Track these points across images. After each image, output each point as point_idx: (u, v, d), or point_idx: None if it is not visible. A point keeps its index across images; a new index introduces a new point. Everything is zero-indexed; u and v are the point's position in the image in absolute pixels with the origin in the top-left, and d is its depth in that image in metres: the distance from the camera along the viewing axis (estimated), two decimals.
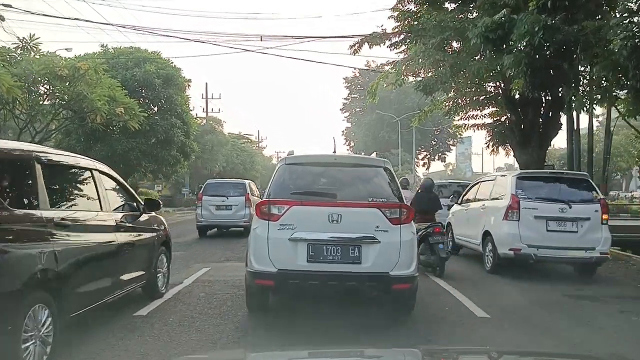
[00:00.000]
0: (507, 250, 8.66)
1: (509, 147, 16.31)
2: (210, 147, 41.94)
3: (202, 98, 47.45)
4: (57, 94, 16.08)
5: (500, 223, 8.86)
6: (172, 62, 23.48)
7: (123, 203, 6.35)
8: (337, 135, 65.07)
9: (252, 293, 5.74)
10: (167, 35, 31.48)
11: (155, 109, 22.88)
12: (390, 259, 5.29)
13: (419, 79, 15.38)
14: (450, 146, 62.75)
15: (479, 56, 13.06)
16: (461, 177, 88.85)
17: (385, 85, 16.57)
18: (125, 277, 5.85)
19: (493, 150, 16.47)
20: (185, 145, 23.96)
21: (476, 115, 16.89)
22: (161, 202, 7.18)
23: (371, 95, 16.65)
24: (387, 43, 14.81)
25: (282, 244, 5.28)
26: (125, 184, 6.52)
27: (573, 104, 11.03)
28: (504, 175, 10.10)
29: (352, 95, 62.23)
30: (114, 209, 6.02)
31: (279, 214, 5.35)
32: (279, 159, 6.69)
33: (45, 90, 16.06)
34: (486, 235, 9.30)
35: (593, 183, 9.47)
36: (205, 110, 47.01)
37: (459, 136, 59.97)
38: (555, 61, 10.49)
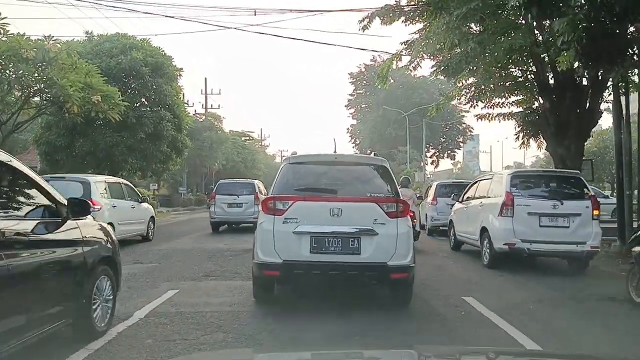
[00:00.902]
0: (502, 245, 9.12)
1: (542, 139, 14.24)
2: (209, 144, 39.98)
3: (202, 94, 45.52)
4: (23, 79, 14.05)
5: (496, 219, 9.36)
6: (162, 50, 21.47)
7: (34, 207, 4.33)
8: (342, 132, 63.10)
9: (259, 283, 6.03)
10: (148, 13, 29.22)
11: (143, 99, 20.83)
12: (388, 250, 5.61)
13: (437, 62, 13.28)
14: (460, 143, 60.47)
15: (510, 31, 11.04)
16: (470, 175, 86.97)
17: (396, 67, 14.41)
18: (26, 317, 3.85)
19: (523, 142, 14.36)
20: (176, 140, 21.92)
21: (501, 104, 14.79)
22: (90, 204, 5.09)
23: (381, 79, 14.55)
24: (402, 18, 12.78)
25: (286, 236, 5.59)
26: (41, 182, 4.45)
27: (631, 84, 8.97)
28: (501, 174, 10.74)
29: (358, 91, 59.98)
30: (14, 217, 4.01)
31: (283, 208, 5.67)
32: (283, 159, 6.62)
33: (10, 75, 14.02)
34: (483, 231, 9.80)
35: (585, 181, 9.81)
36: (204, 106, 45.04)
37: (468, 133, 57.82)
38: (618, 26, 8.42)
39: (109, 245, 5.19)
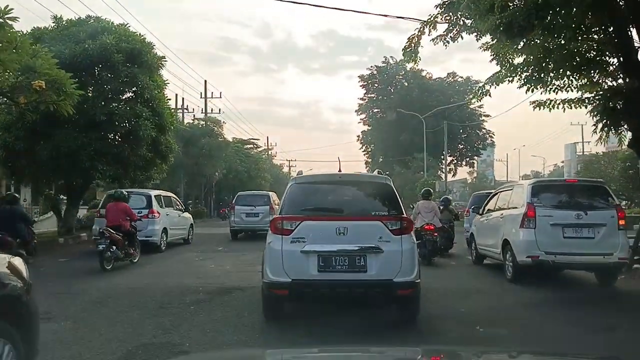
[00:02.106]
0: (525, 258, 8.88)
1: (625, 130, 10.62)
2: (208, 152, 36.61)
3: (201, 97, 42.32)
4: None
5: (518, 231, 9.15)
6: (142, 36, 18.06)
7: None
8: (353, 140, 59.57)
9: (268, 302, 6.07)
10: None
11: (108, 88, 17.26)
12: (393, 266, 5.70)
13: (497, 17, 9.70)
14: (480, 150, 56.55)
15: None
16: (487, 185, 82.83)
17: (429, 35, 10.81)
18: None
19: (601, 137, 10.69)
20: (159, 142, 18.47)
21: (565, 87, 11.11)
22: None
23: (409, 55, 11.02)
24: None
25: (294, 256, 5.72)
26: None
27: None
28: (521, 185, 10.62)
29: (369, 95, 56.36)
30: None
31: (291, 228, 5.81)
32: (290, 178, 7.22)
33: None
34: (505, 244, 9.59)
35: (609, 189, 9.78)
36: (204, 110, 41.79)
37: (489, 139, 53.93)
38: None
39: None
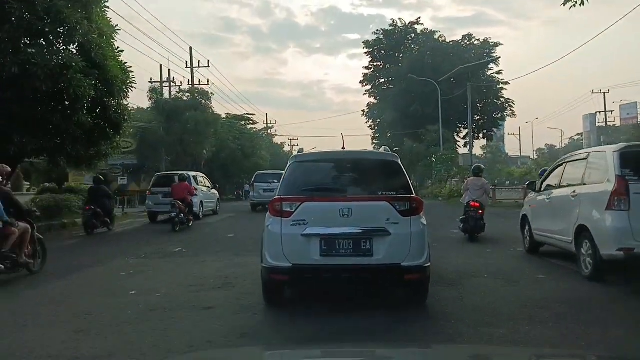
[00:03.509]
0: (613, 251, 6.88)
1: None
2: (194, 127, 32.12)
3: (187, 67, 37.67)
4: None
5: (602, 214, 7.16)
6: None
7: None
8: (358, 114, 55.03)
9: (268, 288, 5.83)
10: None
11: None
12: (402, 250, 5.38)
13: None
14: (499, 122, 51.56)
15: None
16: (500, 160, 77.78)
17: None
18: None
19: None
20: (107, 107, 13.99)
21: None
22: None
23: None
24: None
25: (295, 239, 5.41)
26: None
27: None
28: (601, 152, 8.11)
29: (375, 64, 51.30)
30: None
31: (291, 210, 5.47)
32: (290, 157, 6.58)
33: None
34: (581, 230, 7.58)
35: None
36: (190, 82, 37.18)
37: (508, 108, 48.86)
38: None
39: None
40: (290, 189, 5.67)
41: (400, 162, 6.01)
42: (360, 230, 5.34)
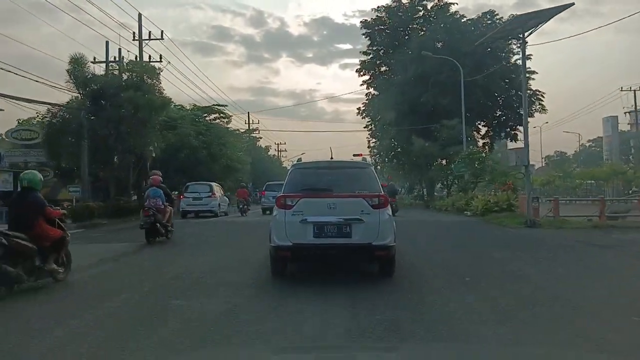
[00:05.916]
0: None
1: None
2: (132, 112, 23.29)
3: (135, 39, 28.96)
4: None
5: None
6: None
7: None
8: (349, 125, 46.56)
9: (275, 262, 7.94)
10: None
11: None
12: (372, 233, 7.42)
13: None
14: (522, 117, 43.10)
15: None
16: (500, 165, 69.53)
17: None
18: None
19: None
20: None
21: None
22: None
23: None
24: None
25: (295, 225, 7.44)
26: None
27: None
28: None
29: (375, 48, 42.77)
30: None
31: (292, 204, 7.57)
32: (291, 165, 9.14)
33: None
34: None
35: None
36: (139, 55, 28.42)
37: (537, 103, 40.22)
38: None
39: None
40: (292, 188, 7.88)
41: (372, 169, 8.60)
42: (342, 219, 7.43)
